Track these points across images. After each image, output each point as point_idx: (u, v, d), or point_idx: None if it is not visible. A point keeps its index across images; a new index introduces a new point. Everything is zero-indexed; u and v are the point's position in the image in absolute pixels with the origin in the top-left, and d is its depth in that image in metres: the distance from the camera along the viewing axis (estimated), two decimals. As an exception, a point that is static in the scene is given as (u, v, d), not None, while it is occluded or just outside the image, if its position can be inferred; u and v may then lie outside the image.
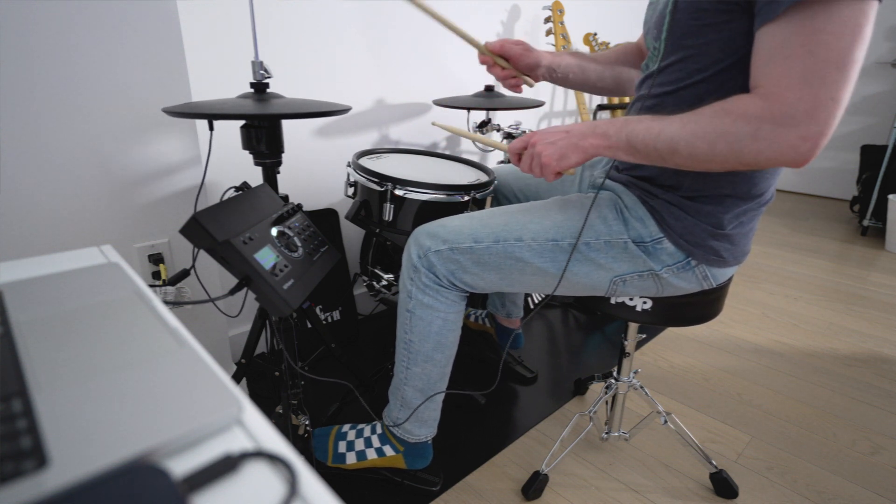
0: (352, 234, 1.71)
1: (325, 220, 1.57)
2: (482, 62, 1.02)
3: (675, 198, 0.83)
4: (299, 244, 0.86)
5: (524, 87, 1.05)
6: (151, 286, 1.12)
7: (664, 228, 0.84)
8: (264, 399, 1.36)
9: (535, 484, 1.09)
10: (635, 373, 1.16)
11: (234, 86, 1.29)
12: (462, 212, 1.09)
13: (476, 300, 1.67)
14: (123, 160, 1.04)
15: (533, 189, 1.17)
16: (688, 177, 0.81)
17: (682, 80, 0.77)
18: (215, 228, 0.72)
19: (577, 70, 1.03)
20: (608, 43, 2.30)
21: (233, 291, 0.76)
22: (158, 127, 1.07)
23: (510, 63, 1.00)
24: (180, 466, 0.29)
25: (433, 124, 0.99)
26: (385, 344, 1.65)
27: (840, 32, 0.59)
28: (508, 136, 1.68)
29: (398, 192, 1.06)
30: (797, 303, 2.05)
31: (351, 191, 1.17)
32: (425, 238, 0.94)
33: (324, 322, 1.57)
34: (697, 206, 0.82)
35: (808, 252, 2.62)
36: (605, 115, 2.49)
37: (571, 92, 2.58)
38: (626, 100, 2.33)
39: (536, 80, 1.03)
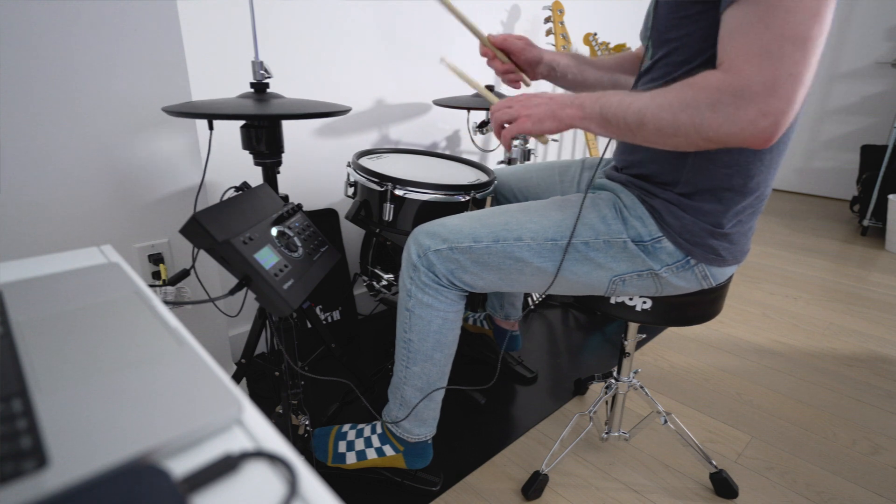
0: (352, 234, 1.71)
1: (325, 220, 1.57)
2: (483, 54, 1.02)
3: (673, 196, 0.83)
4: (299, 244, 0.86)
5: (522, 85, 1.05)
6: (151, 286, 1.12)
7: (663, 228, 0.84)
8: (264, 399, 1.36)
9: (535, 484, 1.09)
10: (635, 373, 1.16)
11: (234, 86, 1.29)
12: (462, 212, 1.09)
13: (473, 303, 1.67)
14: (123, 160, 1.04)
15: (532, 189, 1.17)
16: (684, 171, 0.81)
17: (670, 73, 0.79)
18: (215, 228, 0.72)
19: (575, 71, 1.04)
20: (608, 43, 2.30)
21: (233, 291, 0.76)
22: (158, 127, 1.07)
23: (511, 57, 1.00)
24: (180, 466, 0.29)
25: (442, 60, 0.97)
26: (385, 344, 1.65)
27: (795, 8, 0.60)
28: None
29: (398, 192, 1.06)
30: (797, 303, 2.05)
31: (351, 191, 1.17)
32: (425, 237, 0.94)
33: (324, 322, 1.57)
34: (696, 204, 0.82)
35: (808, 252, 2.62)
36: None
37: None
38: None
39: (535, 78, 1.04)
